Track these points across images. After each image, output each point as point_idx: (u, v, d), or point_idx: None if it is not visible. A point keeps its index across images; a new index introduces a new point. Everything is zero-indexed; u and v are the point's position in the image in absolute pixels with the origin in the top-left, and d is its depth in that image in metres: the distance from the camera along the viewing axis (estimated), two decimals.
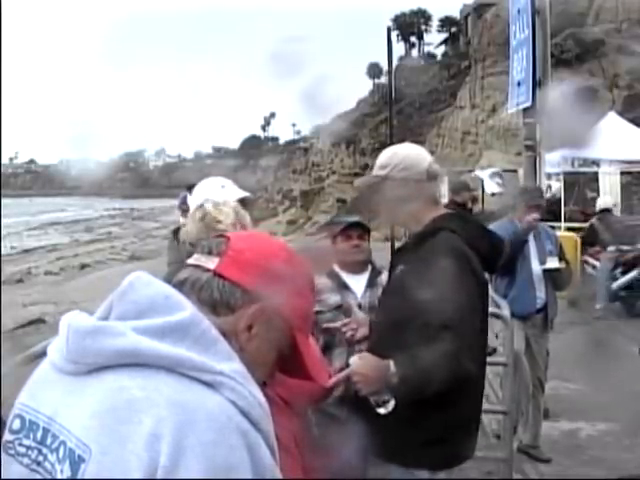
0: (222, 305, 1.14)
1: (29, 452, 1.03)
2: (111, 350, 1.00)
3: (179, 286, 1.15)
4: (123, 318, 1.05)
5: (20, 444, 1.04)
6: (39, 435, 1.03)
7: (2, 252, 26.50)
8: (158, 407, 0.95)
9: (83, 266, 23.23)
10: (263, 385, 1.24)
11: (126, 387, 0.98)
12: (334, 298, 3.13)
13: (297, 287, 1.20)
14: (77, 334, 1.03)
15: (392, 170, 2.37)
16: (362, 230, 3.23)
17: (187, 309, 1.06)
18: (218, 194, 2.49)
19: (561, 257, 5.10)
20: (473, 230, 2.33)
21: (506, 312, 4.04)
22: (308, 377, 1.27)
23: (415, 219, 2.39)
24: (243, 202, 2.52)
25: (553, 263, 4.99)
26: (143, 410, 0.95)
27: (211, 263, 1.17)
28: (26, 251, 30.84)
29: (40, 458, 1.02)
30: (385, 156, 2.45)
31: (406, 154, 2.42)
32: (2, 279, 18.23)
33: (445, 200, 7.52)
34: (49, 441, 1.01)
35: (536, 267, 4.99)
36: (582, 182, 14.40)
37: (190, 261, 1.21)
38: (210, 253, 1.19)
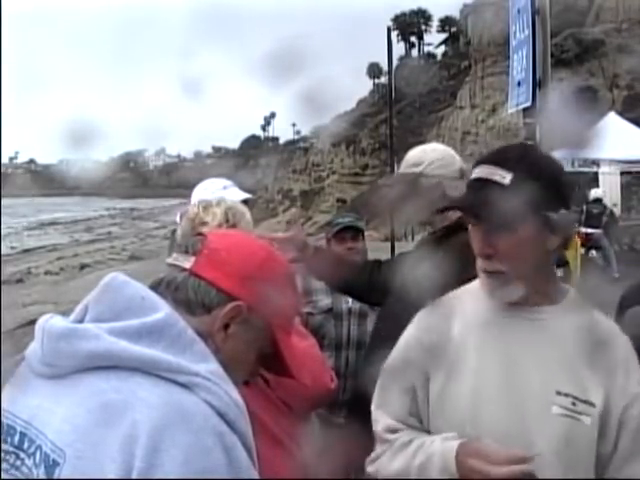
0: (198, 305, 1.11)
1: (7, 457, 1.01)
2: (85, 353, 0.99)
3: (155, 286, 1.13)
4: (99, 320, 1.04)
5: None
6: (16, 439, 1.01)
7: (2, 252, 26.50)
8: (133, 410, 0.94)
9: (83, 266, 23.25)
10: (245, 384, 1.22)
11: (101, 390, 0.97)
12: (325, 301, 3.11)
13: (276, 285, 1.17)
14: (51, 337, 1.02)
15: (427, 167, 2.35)
16: (356, 232, 3.19)
17: (162, 310, 1.04)
18: (219, 195, 2.47)
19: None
20: None
21: None
22: (291, 376, 1.25)
23: (441, 217, 2.37)
24: (244, 202, 2.50)
25: None
26: (118, 413, 0.94)
27: (187, 262, 1.15)
28: (26, 251, 30.86)
29: (18, 462, 1.00)
30: (418, 154, 2.42)
31: (441, 152, 2.42)
32: (2, 279, 18.23)
33: None
34: (26, 445, 1.00)
35: None
36: (582, 182, 14.40)
37: (168, 261, 1.19)
38: (187, 252, 1.17)
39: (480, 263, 1.47)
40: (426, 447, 1.43)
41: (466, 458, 1.34)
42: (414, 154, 2.44)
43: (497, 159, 1.46)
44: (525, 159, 1.44)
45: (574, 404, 1.38)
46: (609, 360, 1.40)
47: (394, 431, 1.52)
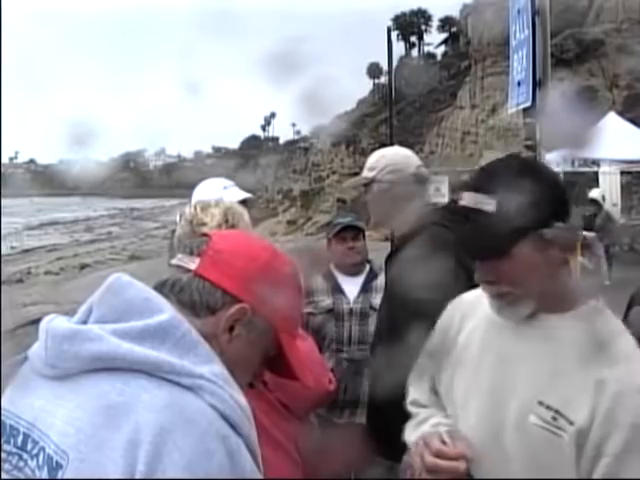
0: (202, 306, 1.11)
1: (10, 458, 1.01)
2: (88, 354, 0.99)
3: (160, 287, 1.13)
4: (102, 321, 1.04)
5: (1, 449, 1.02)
6: (20, 440, 1.01)
7: (2, 252, 26.49)
8: (136, 412, 0.94)
9: (83, 266, 23.23)
10: (250, 387, 1.22)
11: (104, 392, 0.97)
12: (326, 301, 3.12)
13: (280, 287, 1.17)
14: (55, 338, 1.02)
15: (379, 172, 2.41)
16: (356, 231, 3.21)
17: (167, 311, 1.04)
18: (220, 195, 2.46)
19: None
20: (461, 220, 2.32)
21: None
22: (295, 378, 1.24)
23: (403, 221, 2.41)
24: (243, 202, 2.50)
25: None
26: (121, 415, 0.94)
27: (192, 264, 1.14)
28: (26, 251, 30.83)
29: (21, 464, 1.00)
30: (373, 158, 2.49)
31: (393, 157, 2.45)
32: (2, 279, 18.24)
33: (446, 200, 7.52)
34: (29, 447, 1.00)
35: None
36: (582, 182, 14.42)
37: (173, 262, 1.18)
38: (191, 253, 1.16)
39: (483, 288, 1.44)
40: (421, 430, 1.55)
41: (416, 450, 1.46)
42: (371, 159, 2.50)
43: (480, 184, 1.40)
44: (508, 180, 1.36)
45: (555, 418, 1.32)
46: (604, 379, 1.30)
47: (418, 405, 1.67)
